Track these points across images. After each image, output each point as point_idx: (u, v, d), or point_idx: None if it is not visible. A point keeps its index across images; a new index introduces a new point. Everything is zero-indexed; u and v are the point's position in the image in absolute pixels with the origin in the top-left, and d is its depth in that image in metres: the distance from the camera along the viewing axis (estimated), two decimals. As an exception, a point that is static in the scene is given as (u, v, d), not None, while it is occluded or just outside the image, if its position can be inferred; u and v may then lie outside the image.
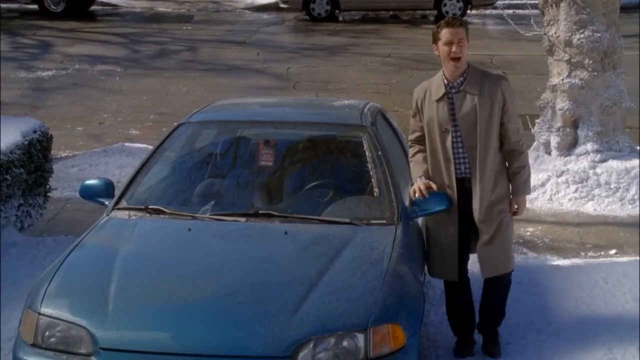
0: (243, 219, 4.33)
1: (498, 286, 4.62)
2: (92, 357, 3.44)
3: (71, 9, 19.15)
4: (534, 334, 4.76)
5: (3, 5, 19.57)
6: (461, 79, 4.40)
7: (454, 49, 4.32)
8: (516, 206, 4.52)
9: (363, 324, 3.49)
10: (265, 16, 20.50)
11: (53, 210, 7.14)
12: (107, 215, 4.51)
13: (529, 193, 4.65)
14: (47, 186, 6.81)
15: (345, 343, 3.46)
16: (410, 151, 4.68)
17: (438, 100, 4.41)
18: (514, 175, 4.47)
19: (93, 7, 20.83)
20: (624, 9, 17.87)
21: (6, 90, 11.90)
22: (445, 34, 4.35)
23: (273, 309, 3.55)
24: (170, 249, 4.12)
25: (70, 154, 8.97)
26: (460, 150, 4.42)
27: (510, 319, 4.90)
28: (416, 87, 4.63)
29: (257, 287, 3.71)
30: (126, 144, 9.36)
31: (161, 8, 21.59)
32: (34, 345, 3.55)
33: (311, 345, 3.43)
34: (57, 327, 3.55)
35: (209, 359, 3.39)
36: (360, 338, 3.46)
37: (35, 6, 19.41)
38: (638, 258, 6.00)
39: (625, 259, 6.08)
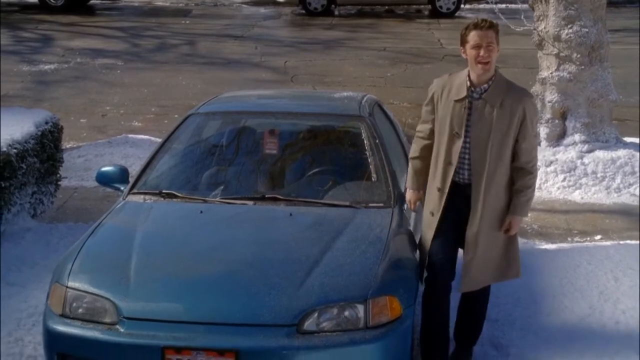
0: (251, 202, 4.63)
1: (477, 301, 4.48)
2: (117, 326, 3.72)
3: (71, 3, 19.33)
4: (520, 311, 5.00)
5: (3, -1, 19.79)
6: (485, 85, 4.15)
7: (482, 53, 4.06)
8: (509, 224, 4.27)
9: (363, 295, 3.76)
10: (262, 10, 20.70)
11: (62, 198, 7.36)
12: (123, 199, 4.79)
13: (525, 215, 4.37)
14: (58, 175, 7.07)
15: (346, 313, 3.73)
16: (414, 147, 4.47)
17: (457, 101, 4.18)
18: (516, 192, 4.24)
19: (92, 1, 20.98)
20: (613, 4, 18.19)
21: (10, 83, 12.08)
22: (473, 36, 4.09)
23: (280, 282, 3.82)
24: (184, 229, 4.40)
25: (75, 145, 9.16)
26: (467, 158, 4.20)
27: (499, 298, 5.15)
28: (436, 79, 4.39)
29: (265, 263, 3.99)
30: (129, 135, 9.54)
31: (159, 2, 21.79)
32: (62, 315, 3.84)
33: (316, 314, 3.71)
34: (84, 299, 3.83)
35: (222, 327, 3.66)
36: (361, 308, 3.74)
37: (35, 0, 19.60)
38: (620, 242, 6.32)
39: (609, 243, 6.36)
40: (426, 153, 4.38)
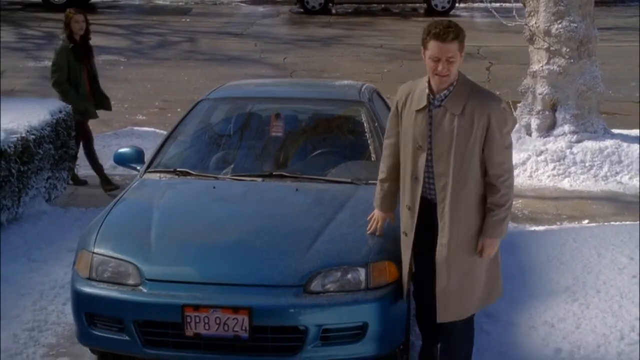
0: (259, 179, 4.97)
1: (451, 332, 4.06)
2: (140, 287, 4.05)
3: (72, 1, 19.58)
4: (510, 284, 5.22)
5: (6, -3, 20.08)
6: (446, 92, 3.76)
7: (440, 67, 3.67)
8: (481, 246, 3.84)
9: (364, 260, 4.11)
10: (260, 9, 21.02)
11: (72, 186, 7.66)
12: (140, 177, 5.13)
13: (499, 236, 3.84)
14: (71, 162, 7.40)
15: (349, 275, 4.07)
16: (382, 167, 4.15)
17: (418, 111, 3.81)
18: (487, 211, 3.80)
19: (93, 0, 21.34)
20: (604, 2, 18.53)
21: (16, 79, 12.38)
22: (432, 47, 3.66)
23: (289, 248, 4.17)
24: (199, 202, 4.74)
25: (83, 137, 9.51)
26: (433, 172, 3.83)
27: (490, 272, 5.51)
28: (401, 86, 4.02)
29: (275, 232, 4.33)
30: (135, 127, 9.86)
31: (159, 1, 22.09)
32: (89, 279, 4.16)
33: (321, 276, 4.04)
34: (109, 264, 4.15)
35: (236, 287, 4.00)
36: (362, 272, 4.07)
37: (38, -1, 19.98)
38: (605, 223, 6.66)
39: (594, 224, 6.70)
40: (394, 175, 4.06)
